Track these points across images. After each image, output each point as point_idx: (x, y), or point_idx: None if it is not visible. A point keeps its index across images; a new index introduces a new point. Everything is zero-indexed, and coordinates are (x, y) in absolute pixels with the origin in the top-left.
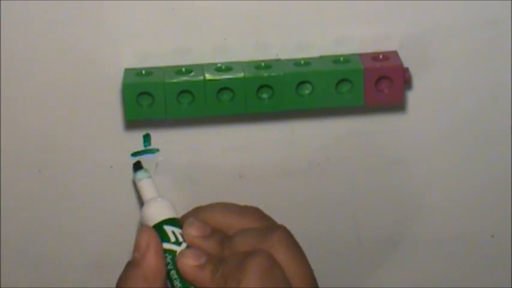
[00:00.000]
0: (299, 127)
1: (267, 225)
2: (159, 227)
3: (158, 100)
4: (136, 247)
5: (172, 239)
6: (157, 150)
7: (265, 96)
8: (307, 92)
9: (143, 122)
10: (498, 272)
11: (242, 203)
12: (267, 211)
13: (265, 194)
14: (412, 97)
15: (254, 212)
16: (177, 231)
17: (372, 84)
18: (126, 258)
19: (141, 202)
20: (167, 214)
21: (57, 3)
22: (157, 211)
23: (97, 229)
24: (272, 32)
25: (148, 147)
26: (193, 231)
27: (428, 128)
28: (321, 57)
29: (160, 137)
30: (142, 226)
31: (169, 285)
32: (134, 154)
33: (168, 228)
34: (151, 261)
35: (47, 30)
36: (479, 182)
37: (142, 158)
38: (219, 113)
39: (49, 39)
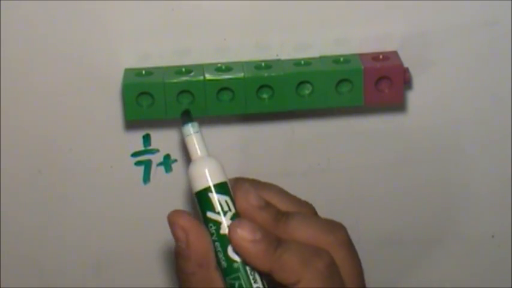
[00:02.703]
0: (299, 127)
1: (327, 221)
2: (203, 194)
3: (158, 100)
4: (176, 238)
5: (218, 208)
6: (158, 150)
7: (265, 96)
8: (307, 92)
9: (143, 122)
10: (498, 272)
11: None
12: None
13: None
14: (412, 97)
15: (309, 206)
16: (223, 198)
17: (372, 84)
18: (126, 258)
19: (188, 160)
20: (214, 179)
21: (57, 4)
22: (203, 175)
23: (97, 229)
24: (272, 32)
25: (148, 148)
26: (249, 199)
27: (428, 128)
28: (321, 57)
29: (160, 137)
30: (173, 211)
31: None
32: (134, 154)
33: (214, 196)
34: (197, 247)
35: (47, 31)
36: (479, 182)
37: (142, 158)
38: (219, 113)
39: (49, 40)
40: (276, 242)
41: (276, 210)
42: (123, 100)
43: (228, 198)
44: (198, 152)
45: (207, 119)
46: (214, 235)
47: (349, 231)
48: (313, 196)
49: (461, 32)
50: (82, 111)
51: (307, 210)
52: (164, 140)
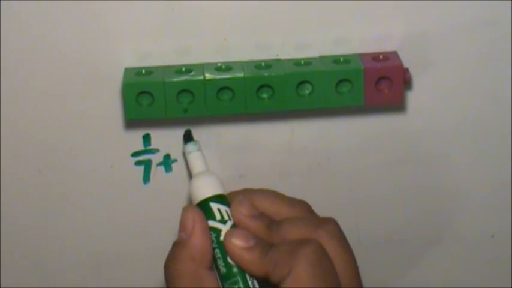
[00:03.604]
0: (299, 127)
1: (317, 217)
2: (205, 204)
3: (158, 99)
4: (182, 226)
5: (218, 216)
6: (158, 150)
7: (265, 96)
8: (307, 92)
9: (143, 121)
10: (498, 272)
11: None
12: None
13: None
14: (412, 97)
15: (303, 204)
16: (223, 208)
17: (372, 85)
18: (126, 258)
19: (189, 174)
20: (214, 190)
21: (57, 4)
22: (204, 186)
23: (97, 229)
24: (272, 32)
25: (148, 147)
26: (242, 209)
27: (428, 128)
28: (320, 57)
29: (160, 137)
30: (187, 205)
31: (214, 265)
32: (134, 154)
33: (214, 206)
34: (198, 241)
35: (47, 30)
36: (479, 182)
37: (142, 158)
38: (219, 113)
39: (49, 39)
40: (268, 247)
41: (269, 219)
42: (123, 99)
43: (227, 209)
44: (200, 167)
45: (207, 119)
46: (215, 242)
47: (349, 231)
48: (313, 196)
49: (461, 32)
50: (82, 110)
51: (301, 208)
52: (164, 140)
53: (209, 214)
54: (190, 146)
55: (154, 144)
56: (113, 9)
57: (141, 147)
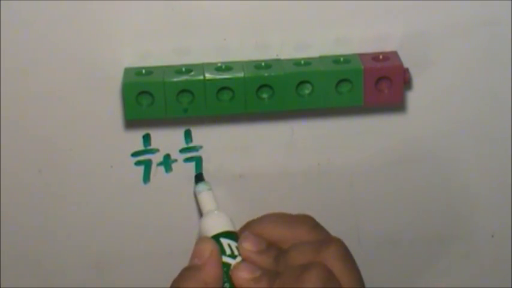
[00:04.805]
0: (299, 127)
1: (321, 238)
2: (215, 239)
3: (158, 99)
4: (198, 254)
5: (228, 251)
6: (158, 150)
7: (265, 96)
8: (307, 92)
9: (143, 121)
10: (498, 272)
11: (242, 203)
12: (267, 211)
13: (265, 194)
14: (412, 97)
15: (306, 221)
16: (233, 244)
17: (372, 85)
18: (126, 258)
19: (200, 213)
20: (225, 227)
21: (57, 3)
22: (215, 223)
23: (97, 229)
24: (272, 32)
25: (148, 147)
26: (248, 245)
27: (428, 128)
28: (320, 57)
29: (160, 137)
30: (203, 236)
31: None
32: (134, 154)
33: (225, 241)
34: (213, 269)
35: (47, 30)
36: (479, 182)
37: (142, 158)
38: (219, 113)
39: (49, 39)
40: (275, 276)
41: (275, 251)
42: (123, 99)
43: (236, 245)
44: (210, 206)
45: (206, 119)
46: (224, 277)
47: (349, 231)
48: (313, 196)
49: (461, 32)
50: (82, 110)
51: (304, 228)
52: (164, 140)
53: (220, 249)
54: (201, 186)
55: (154, 144)
56: (113, 9)
57: (141, 147)
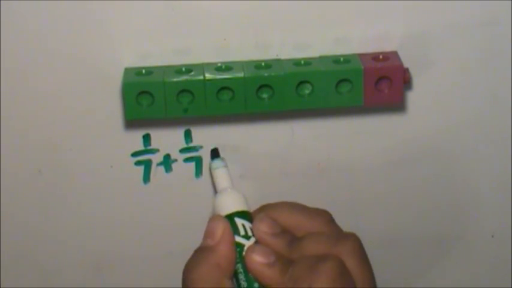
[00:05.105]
0: (299, 127)
1: (338, 232)
2: (230, 219)
3: (158, 99)
4: (210, 234)
5: (242, 232)
6: (158, 150)
7: (265, 96)
8: (307, 92)
9: (143, 121)
10: (498, 272)
11: None
12: None
13: (265, 194)
14: (412, 97)
15: (323, 214)
16: (247, 225)
17: (372, 85)
18: (126, 258)
19: (214, 190)
20: (239, 206)
21: (57, 3)
22: (229, 202)
23: (97, 229)
24: (272, 32)
25: (148, 147)
26: (263, 227)
27: (428, 128)
28: (320, 57)
29: (160, 137)
30: (215, 215)
31: (234, 278)
32: (134, 154)
33: (239, 221)
34: (226, 249)
35: (47, 30)
36: (479, 182)
37: (142, 158)
38: (219, 113)
39: (49, 39)
40: (289, 263)
41: (290, 236)
42: (123, 99)
43: (251, 226)
44: (225, 183)
45: (207, 119)
46: (238, 257)
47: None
48: (313, 196)
49: (461, 31)
50: (82, 110)
51: (321, 220)
52: (164, 140)
53: (234, 229)
54: (216, 162)
55: (154, 144)
56: (113, 10)
57: (141, 147)
